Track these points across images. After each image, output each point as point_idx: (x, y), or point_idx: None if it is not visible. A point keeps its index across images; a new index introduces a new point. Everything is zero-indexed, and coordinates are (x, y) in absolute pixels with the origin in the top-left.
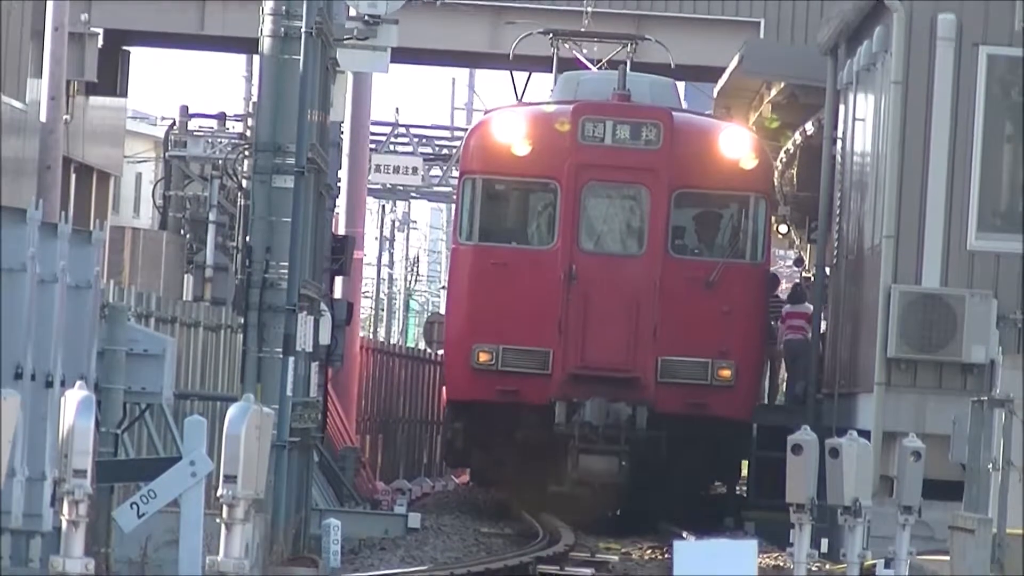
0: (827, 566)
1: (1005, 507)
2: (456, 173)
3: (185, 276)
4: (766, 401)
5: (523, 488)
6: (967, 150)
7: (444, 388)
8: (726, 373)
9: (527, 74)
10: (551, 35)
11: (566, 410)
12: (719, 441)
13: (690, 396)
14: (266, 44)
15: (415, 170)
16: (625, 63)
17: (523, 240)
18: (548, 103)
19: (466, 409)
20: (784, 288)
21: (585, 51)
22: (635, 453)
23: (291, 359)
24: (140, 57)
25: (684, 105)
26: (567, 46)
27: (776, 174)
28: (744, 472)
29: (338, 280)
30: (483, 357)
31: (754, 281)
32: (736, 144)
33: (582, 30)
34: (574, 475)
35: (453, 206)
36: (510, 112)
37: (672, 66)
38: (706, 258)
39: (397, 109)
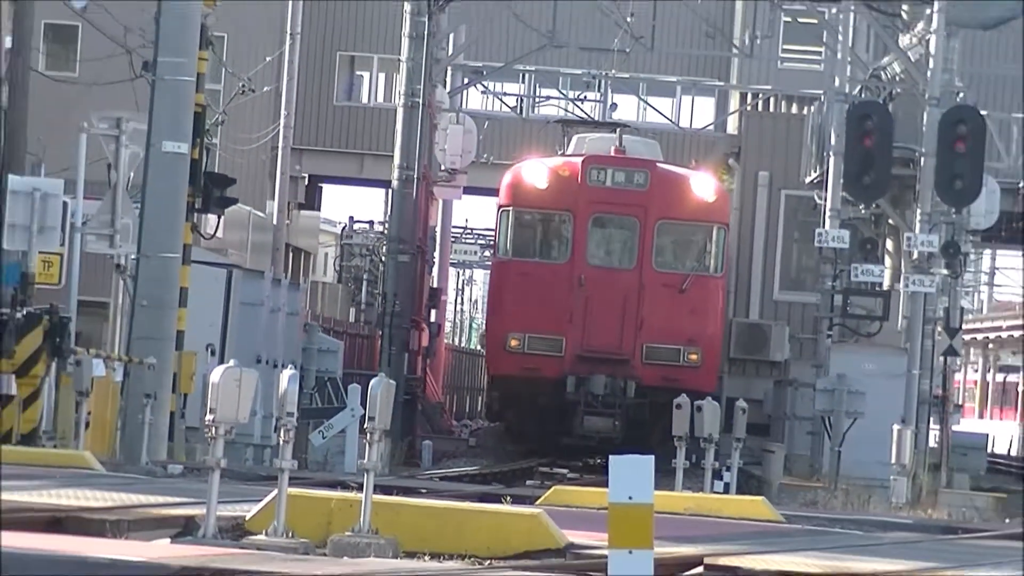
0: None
1: (792, 439)
2: None
3: (350, 308)
4: None
5: (542, 440)
6: (775, 246)
7: (486, 365)
8: (694, 356)
9: None
10: (562, 124)
11: (575, 383)
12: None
13: (667, 373)
14: (395, 184)
15: (476, 252)
16: (621, 127)
17: (545, 256)
18: (564, 156)
19: (501, 381)
20: None
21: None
22: (626, 415)
23: (406, 354)
24: (328, 189)
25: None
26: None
27: None
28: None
29: (433, 312)
30: (514, 342)
31: (715, 288)
32: (703, 187)
33: (583, 119)
34: (580, 431)
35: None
36: (536, 162)
37: None
38: (680, 271)
39: (467, 219)
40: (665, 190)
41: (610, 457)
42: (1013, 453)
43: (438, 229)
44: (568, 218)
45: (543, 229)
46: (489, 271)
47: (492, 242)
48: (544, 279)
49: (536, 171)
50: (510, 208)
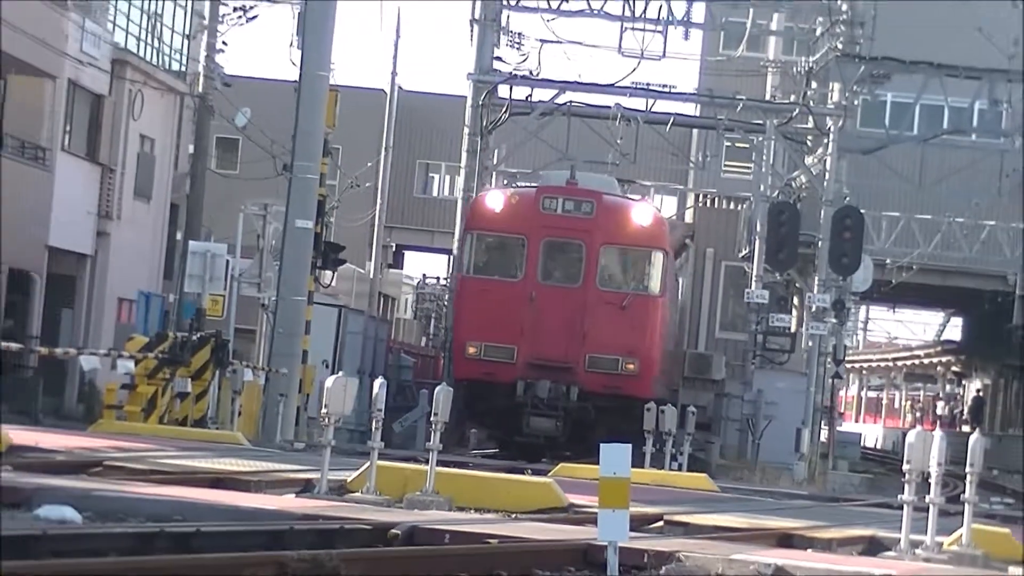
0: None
1: (726, 434)
2: None
3: (422, 337)
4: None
5: (497, 437)
6: (716, 300)
7: (449, 370)
8: (631, 366)
9: None
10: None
11: (524, 387)
12: (626, 411)
13: (607, 380)
14: (455, 252)
15: None
16: (573, 165)
17: (502, 274)
18: (522, 186)
19: (462, 384)
20: None
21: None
22: (568, 418)
23: None
24: (409, 255)
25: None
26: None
27: None
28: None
29: None
30: (472, 350)
31: (653, 306)
32: (643, 215)
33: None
34: (527, 431)
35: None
36: (497, 191)
37: None
38: (621, 290)
39: None
40: (609, 218)
41: (600, 444)
42: (878, 447)
43: None
44: (523, 241)
45: (501, 250)
46: (454, 286)
47: (456, 260)
48: (500, 294)
49: (496, 199)
50: (473, 231)
